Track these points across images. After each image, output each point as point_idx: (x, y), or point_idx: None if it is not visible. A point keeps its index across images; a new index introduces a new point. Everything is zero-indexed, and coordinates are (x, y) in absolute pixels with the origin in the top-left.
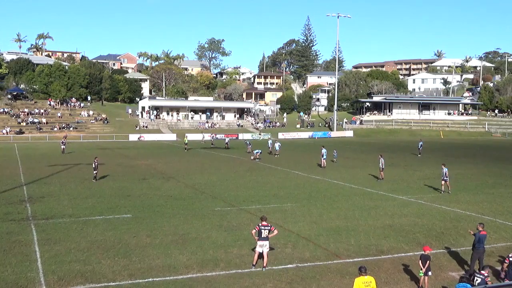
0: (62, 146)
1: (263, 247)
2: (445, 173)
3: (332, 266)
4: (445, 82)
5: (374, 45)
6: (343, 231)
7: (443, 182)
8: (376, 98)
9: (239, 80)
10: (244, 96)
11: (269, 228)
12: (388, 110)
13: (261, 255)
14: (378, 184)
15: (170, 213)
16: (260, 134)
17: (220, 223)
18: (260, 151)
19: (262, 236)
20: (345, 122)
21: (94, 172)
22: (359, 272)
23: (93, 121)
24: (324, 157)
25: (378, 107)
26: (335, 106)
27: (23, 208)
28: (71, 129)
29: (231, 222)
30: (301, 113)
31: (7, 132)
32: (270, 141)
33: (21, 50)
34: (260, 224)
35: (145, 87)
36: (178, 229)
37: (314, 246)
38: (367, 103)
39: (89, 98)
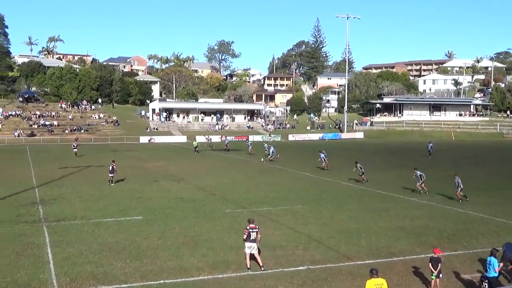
0: (74, 150)
1: (251, 249)
2: (459, 183)
3: (343, 268)
4: (456, 83)
5: (384, 46)
6: (354, 233)
7: (458, 192)
8: (386, 100)
9: (249, 82)
10: (254, 98)
11: (256, 230)
12: (398, 112)
13: (252, 257)
14: (390, 186)
15: (181, 215)
16: (270, 136)
17: (231, 225)
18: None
19: (251, 238)
20: (356, 124)
21: (110, 175)
22: (370, 274)
23: (104, 123)
24: (324, 160)
25: (388, 108)
26: (345, 108)
27: (35, 210)
28: (82, 131)
29: (241, 224)
30: (311, 115)
31: (19, 135)
32: (266, 145)
33: (33, 53)
34: (248, 227)
35: (156, 89)
36: (189, 231)
37: (325, 248)
38: (378, 105)
39: (99, 100)
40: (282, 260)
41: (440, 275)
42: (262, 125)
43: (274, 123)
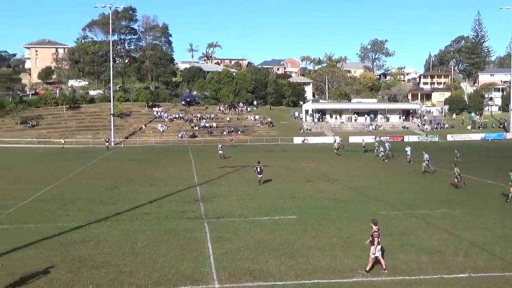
0: (220, 152)
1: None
2: None
3: (510, 278)
4: None
5: None
6: None
7: None
8: None
9: (403, 80)
10: (409, 97)
11: (380, 231)
12: None
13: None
14: None
15: (334, 216)
16: (426, 136)
17: (384, 228)
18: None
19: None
20: None
21: (259, 176)
22: None
23: (259, 124)
24: (427, 162)
25: None
26: (511, 106)
27: (197, 207)
28: (238, 132)
29: (397, 227)
30: (472, 114)
31: (182, 136)
32: (408, 148)
33: (193, 59)
34: (377, 229)
35: (308, 90)
36: (343, 232)
37: (488, 255)
38: None
39: (255, 102)
40: (440, 266)
41: None
42: (418, 125)
43: (431, 123)
